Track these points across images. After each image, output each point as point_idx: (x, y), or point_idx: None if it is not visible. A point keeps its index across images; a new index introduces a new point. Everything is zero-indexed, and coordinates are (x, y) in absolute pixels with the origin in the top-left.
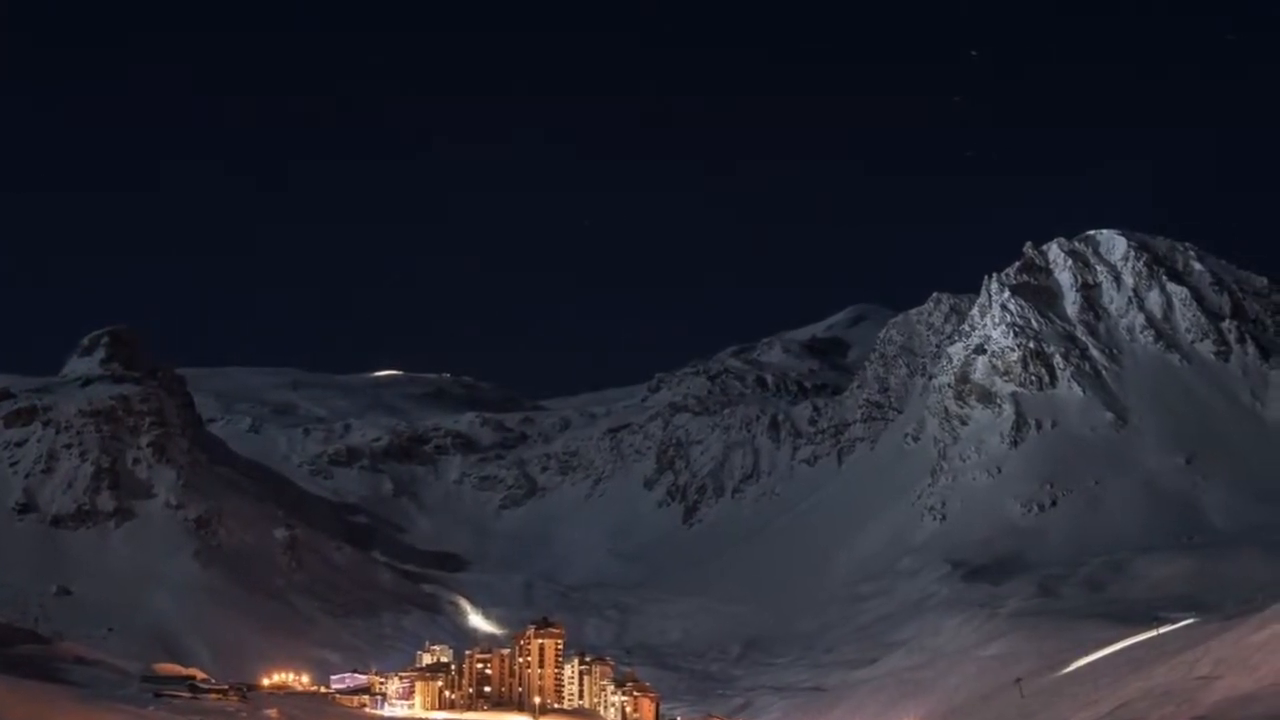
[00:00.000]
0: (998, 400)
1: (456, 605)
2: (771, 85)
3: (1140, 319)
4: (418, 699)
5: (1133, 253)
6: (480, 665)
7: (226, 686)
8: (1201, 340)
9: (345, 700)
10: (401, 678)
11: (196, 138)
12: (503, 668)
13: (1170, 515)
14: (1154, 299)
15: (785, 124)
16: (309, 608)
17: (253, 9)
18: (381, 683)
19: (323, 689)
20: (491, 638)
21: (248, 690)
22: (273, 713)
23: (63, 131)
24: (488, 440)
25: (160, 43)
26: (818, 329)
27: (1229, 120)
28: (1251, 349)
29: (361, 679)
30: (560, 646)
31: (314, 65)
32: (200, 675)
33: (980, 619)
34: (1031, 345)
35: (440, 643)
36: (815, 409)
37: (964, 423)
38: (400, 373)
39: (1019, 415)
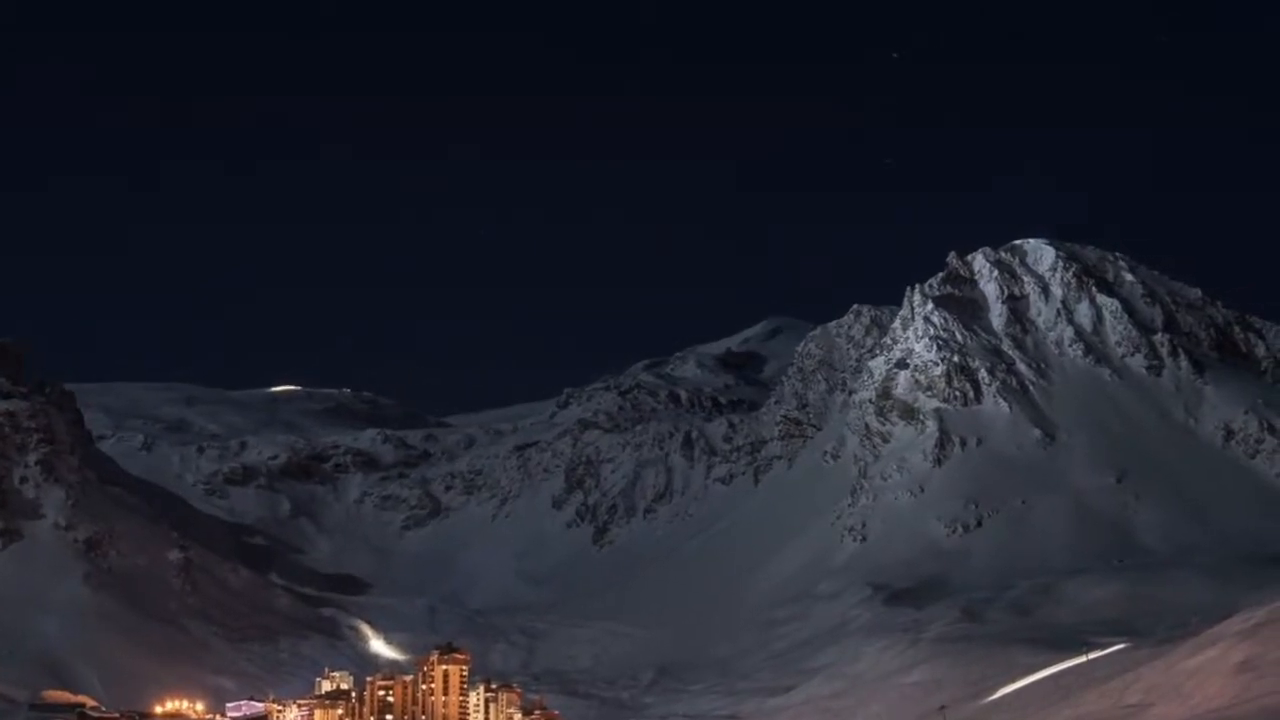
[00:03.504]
0: (920, 417)
1: (357, 630)
2: (679, 87)
3: (1069, 332)
4: None
5: (1061, 263)
6: (382, 692)
7: (118, 714)
8: (1133, 354)
9: None
10: (300, 705)
11: (76, 139)
12: (406, 695)
13: (1100, 536)
14: (1083, 311)
15: (692, 125)
16: (203, 632)
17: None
18: (279, 710)
19: (218, 717)
20: (394, 664)
21: (140, 718)
22: None
23: None
24: (390, 458)
25: (45, 42)
26: (733, 342)
27: (1162, 122)
28: (1185, 363)
29: (258, 707)
30: (465, 673)
31: (216, 64)
32: (90, 703)
33: (902, 644)
34: (956, 359)
35: (340, 669)
36: (730, 426)
37: (885, 440)
38: (298, 388)
39: (943, 432)
